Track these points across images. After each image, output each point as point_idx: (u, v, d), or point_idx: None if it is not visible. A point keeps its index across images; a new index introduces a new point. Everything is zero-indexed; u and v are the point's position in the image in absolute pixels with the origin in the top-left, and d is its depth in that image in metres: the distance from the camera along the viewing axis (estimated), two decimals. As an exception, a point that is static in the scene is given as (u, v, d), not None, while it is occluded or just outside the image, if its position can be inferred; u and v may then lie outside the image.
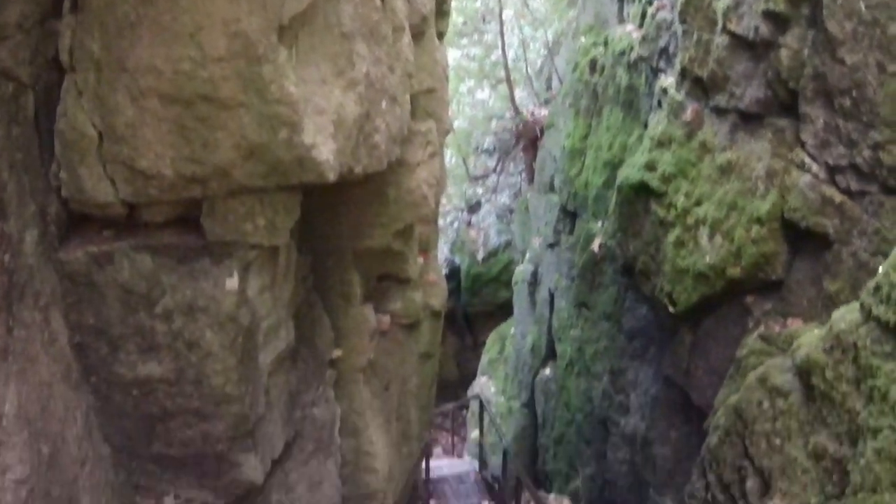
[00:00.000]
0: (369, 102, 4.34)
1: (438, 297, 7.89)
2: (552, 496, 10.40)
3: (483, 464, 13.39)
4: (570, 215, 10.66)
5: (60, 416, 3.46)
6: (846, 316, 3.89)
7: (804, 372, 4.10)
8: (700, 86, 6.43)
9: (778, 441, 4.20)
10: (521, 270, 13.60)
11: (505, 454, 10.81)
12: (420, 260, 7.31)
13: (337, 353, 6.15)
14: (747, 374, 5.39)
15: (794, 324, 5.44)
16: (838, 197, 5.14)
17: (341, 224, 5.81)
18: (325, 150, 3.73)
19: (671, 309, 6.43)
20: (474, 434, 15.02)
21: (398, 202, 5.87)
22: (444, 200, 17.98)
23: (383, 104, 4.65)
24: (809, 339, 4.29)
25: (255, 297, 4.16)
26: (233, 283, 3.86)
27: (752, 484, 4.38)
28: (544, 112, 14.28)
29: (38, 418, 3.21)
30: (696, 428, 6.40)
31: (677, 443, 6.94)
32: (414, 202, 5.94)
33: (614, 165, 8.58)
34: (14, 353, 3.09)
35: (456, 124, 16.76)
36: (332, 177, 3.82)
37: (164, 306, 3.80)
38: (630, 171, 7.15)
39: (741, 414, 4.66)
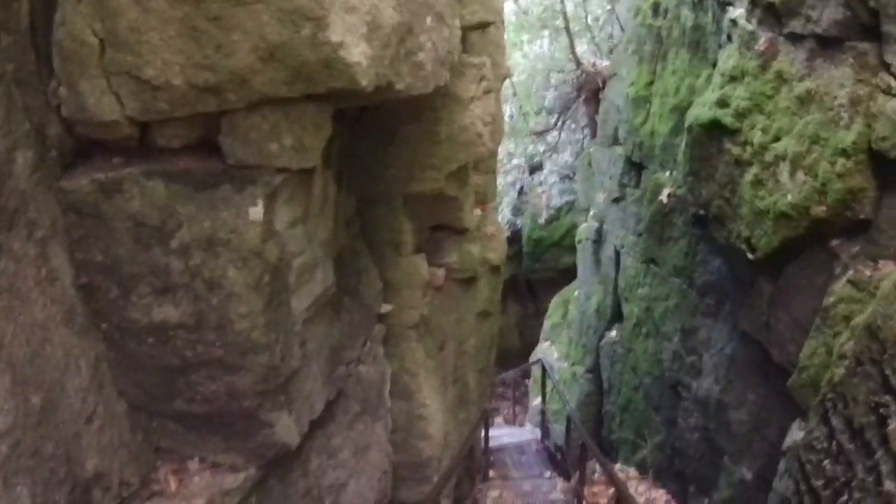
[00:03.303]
0: (410, 14, 3.92)
1: (497, 251, 7.53)
2: (618, 467, 10.02)
3: (545, 433, 13.01)
4: (635, 167, 10.18)
5: (59, 363, 3.12)
6: None
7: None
8: (773, 12, 5.93)
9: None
10: (585, 228, 13.12)
11: (568, 422, 10.44)
12: (478, 211, 7.01)
13: (386, 307, 5.83)
14: (836, 325, 4.89)
15: (887, 267, 4.91)
16: (931, 124, 4.61)
17: (390, 165, 5.43)
18: (356, 52, 3.31)
19: (750, 256, 5.98)
20: (536, 402, 14.67)
21: (451, 140, 5.47)
22: (503, 156, 17.55)
23: (428, 20, 4.23)
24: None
25: (283, 231, 3.78)
26: (257, 212, 3.48)
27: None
28: (606, 63, 13.74)
29: (27, 363, 2.88)
30: (777, 389, 5.97)
31: (755, 406, 6.51)
32: (468, 140, 5.52)
33: (682, 110, 8.11)
34: None
35: (514, 79, 16.16)
36: (364, 83, 3.39)
37: (181, 240, 3.43)
38: (700, 110, 6.73)
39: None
